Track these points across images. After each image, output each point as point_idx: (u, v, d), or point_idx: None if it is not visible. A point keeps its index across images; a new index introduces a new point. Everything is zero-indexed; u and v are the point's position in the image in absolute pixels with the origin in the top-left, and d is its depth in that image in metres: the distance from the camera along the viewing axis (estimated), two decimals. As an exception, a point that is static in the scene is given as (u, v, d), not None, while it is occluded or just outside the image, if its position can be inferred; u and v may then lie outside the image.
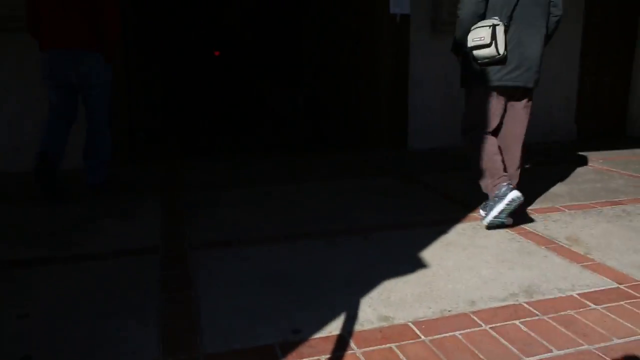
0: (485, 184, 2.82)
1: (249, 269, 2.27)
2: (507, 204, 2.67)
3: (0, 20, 4.07)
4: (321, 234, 2.74)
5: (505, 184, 2.70)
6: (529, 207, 3.21)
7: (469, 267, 2.30)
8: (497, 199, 2.71)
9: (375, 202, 3.34)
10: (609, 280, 2.17)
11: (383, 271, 2.23)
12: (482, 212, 2.90)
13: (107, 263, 2.35)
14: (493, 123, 2.79)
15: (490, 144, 2.77)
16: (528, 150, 3.06)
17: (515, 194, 2.68)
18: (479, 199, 3.23)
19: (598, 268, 2.29)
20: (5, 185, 3.88)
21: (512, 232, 2.75)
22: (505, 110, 2.81)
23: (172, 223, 2.94)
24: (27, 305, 1.95)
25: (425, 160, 4.67)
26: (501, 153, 2.80)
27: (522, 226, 2.85)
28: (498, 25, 2.55)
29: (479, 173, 2.83)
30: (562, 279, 2.18)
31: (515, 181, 2.87)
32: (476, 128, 2.82)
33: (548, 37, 2.80)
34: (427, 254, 2.44)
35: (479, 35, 2.57)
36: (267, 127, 7.52)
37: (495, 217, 2.70)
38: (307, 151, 5.30)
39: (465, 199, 3.36)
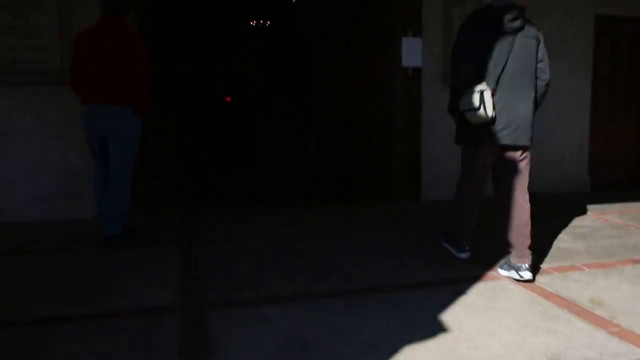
0: (452, 224, 3.27)
1: (266, 332, 2.24)
2: (458, 257, 3.25)
3: (26, 74, 4.21)
4: (338, 293, 2.71)
5: (464, 242, 3.24)
6: (548, 265, 3.18)
7: (490, 332, 2.26)
8: (453, 246, 3.28)
9: (391, 258, 3.31)
10: (638, 349, 2.11)
11: (403, 336, 2.20)
12: (500, 271, 3.00)
13: (124, 323, 2.33)
14: (481, 179, 3.03)
15: (472, 201, 3.08)
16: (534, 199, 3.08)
17: (464, 255, 3.25)
18: (495, 256, 3.20)
19: (627, 335, 2.23)
20: (21, 237, 3.90)
21: (533, 294, 2.71)
22: (504, 166, 2.97)
23: (188, 280, 2.92)
24: (44, 369, 1.93)
25: (440, 212, 4.65)
26: (506, 206, 2.96)
27: (543, 286, 2.81)
28: (485, 90, 2.78)
29: (452, 218, 3.25)
30: (589, 346, 2.13)
31: (527, 242, 2.94)
32: (468, 182, 3.07)
33: (537, 100, 2.98)
34: (447, 317, 2.40)
35: (468, 100, 2.82)
36: (279, 176, 7.57)
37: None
38: (320, 202, 5.31)
39: (483, 256, 3.33)
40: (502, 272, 2.98)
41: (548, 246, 3.61)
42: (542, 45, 2.94)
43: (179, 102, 9.70)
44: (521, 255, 2.90)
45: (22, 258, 3.38)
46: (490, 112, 2.78)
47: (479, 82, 2.83)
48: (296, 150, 9.23)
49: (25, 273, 3.05)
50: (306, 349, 2.09)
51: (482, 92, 2.78)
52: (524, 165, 2.95)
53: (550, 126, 5.66)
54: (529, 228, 2.93)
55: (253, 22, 19.39)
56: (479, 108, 2.77)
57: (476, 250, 3.41)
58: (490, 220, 3.13)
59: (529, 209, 2.94)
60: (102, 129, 3.48)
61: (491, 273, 3.03)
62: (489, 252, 3.40)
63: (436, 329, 2.28)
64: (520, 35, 2.86)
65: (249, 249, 3.52)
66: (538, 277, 2.95)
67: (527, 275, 2.86)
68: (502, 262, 3.05)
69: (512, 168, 2.93)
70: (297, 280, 2.91)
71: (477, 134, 2.91)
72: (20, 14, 4.15)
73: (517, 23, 2.84)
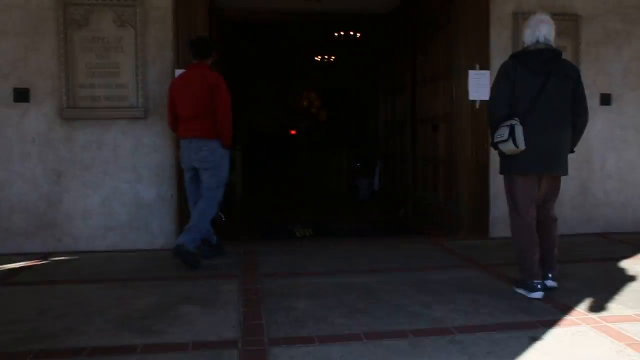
0: (519, 265, 3.31)
1: (328, 372, 2.16)
2: (532, 297, 3.15)
3: (105, 110, 4.45)
4: (403, 333, 2.59)
5: (535, 281, 3.17)
6: (634, 312, 2.91)
7: (572, 384, 2.07)
8: (524, 286, 3.21)
9: (459, 298, 3.15)
10: None
11: (474, 384, 2.05)
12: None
13: (187, 356, 2.33)
14: (528, 205, 3.21)
15: (527, 233, 3.21)
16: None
17: (537, 295, 3.14)
18: (572, 298, 2.99)
19: None
20: (92, 264, 4.05)
21: (619, 343, 2.47)
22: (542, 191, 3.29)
23: (250, 314, 2.90)
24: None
25: (509, 250, 4.41)
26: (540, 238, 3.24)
27: (626, 332, 2.56)
28: (516, 125, 3.05)
29: (516, 252, 3.32)
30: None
31: (554, 262, 3.31)
32: (515, 212, 3.26)
33: (577, 131, 3.27)
34: (521, 365, 2.23)
35: (499, 133, 3.12)
36: (344, 211, 7.52)
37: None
38: (385, 237, 5.19)
39: (559, 298, 3.11)
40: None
41: (634, 290, 3.32)
42: (580, 85, 3.23)
43: (245, 136, 9.96)
44: (549, 268, 3.29)
45: (92, 286, 3.49)
46: (520, 144, 3.03)
47: (512, 117, 3.10)
48: (360, 186, 9.18)
49: (94, 301, 3.15)
50: (369, 392, 1.99)
51: (512, 126, 3.04)
52: (553, 191, 3.32)
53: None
54: (556, 246, 3.33)
55: (318, 58, 19.85)
56: (507, 140, 3.05)
57: (552, 292, 3.19)
58: (566, 261, 2.93)
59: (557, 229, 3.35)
60: (192, 160, 3.98)
61: (570, 318, 2.81)
62: (567, 294, 3.17)
63: (510, 378, 2.12)
64: (554, 75, 3.11)
65: (312, 284, 3.47)
66: (624, 325, 2.70)
67: (552, 283, 3.27)
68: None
69: (546, 193, 3.30)
70: (360, 318, 2.82)
71: (514, 163, 3.18)
72: (103, 54, 4.43)
73: (551, 65, 3.13)
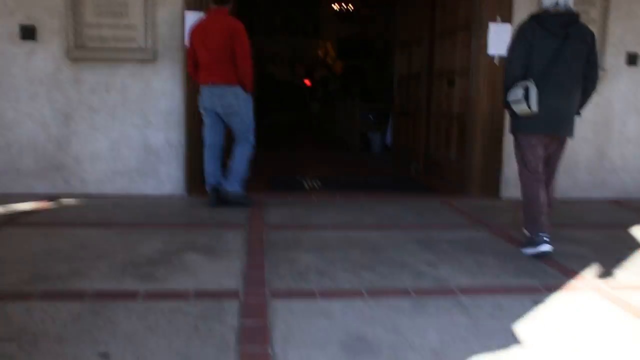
0: (525, 220, 3.35)
1: (327, 328, 2.15)
2: (537, 254, 3.19)
3: (113, 51, 4.35)
4: (407, 292, 2.58)
5: (542, 233, 3.19)
6: (637, 278, 2.87)
7: (573, 349, 2.04)
8: (530, 243, 3.24)
9: (465, 258, 3.12)
10: None
11: (473, 346, 2.03)
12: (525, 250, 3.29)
13: (187, 305, 2.33)
14: (536, 163, 3.30)
15: (536, 186, 3.28)
16: None
17: (545, 247, 3.17)
18: (579, 264, 2.94)
19: None
20: (100, 209, 4.06)
21: (625, 312, 2.44)
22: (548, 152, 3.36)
23: (254, 266, 2.89)
24: (109, 343, 1.95)
25: (518, 212, 4.34)
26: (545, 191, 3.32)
27: (631, 301, 2.52)
28: (530, 86, 3.09)
29: (523, 206, 3.37)
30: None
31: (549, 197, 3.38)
32: (524, 168, 3.34)
33: (585, 96, 3.32)
34: (522, 329, 2.20)
35: (515, 93, 3.16)
36: (355, 163, 7.46)
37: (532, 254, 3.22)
38: (395, 193, 5.13)
39: (564, 263, 3.06)
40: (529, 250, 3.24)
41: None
42: (594, 50, 3.24)
43: (258, 84, 9.78)
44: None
45: (99, 230, 3.50)
46: (533, 106, 3.08)
47: (527, 79, 3.15)
48: (372, 139, 9.07)
49: (100, 245, 3.16)
50: (367, 350, 1.98)
51: (527, 87, 3.09)
52: (561, 152, 3.41)
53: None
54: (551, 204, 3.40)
55: (336, 6, 19.27)
56: (521, 100, 3.10)
57: (558, 257, 3.15)
58: (576, 225, 2.85)
59: (554, 179, 3.45)
60: (216, 106, 4.05)
61: (576, 283, 2.77)
62: (575, 260, 3.13)
63: (510, 341, 2.10)
64: (571, 39, 3.14)
65: (317, 237, 3.45)
66: (630, 293, 2.66)
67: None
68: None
69: (553, 154, 3.38)
70: (363, 274, 2.80)
71: (524, 123, 3.25)
72: (110, -8, 4.28)
73: (568, 29, 3.14)
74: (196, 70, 4.10)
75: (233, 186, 4.13)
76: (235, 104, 4.04)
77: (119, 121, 4.45)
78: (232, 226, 3.68)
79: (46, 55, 4.33)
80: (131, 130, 4.48)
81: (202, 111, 4.16)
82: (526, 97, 3.08)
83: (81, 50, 4.30)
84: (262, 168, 6.51)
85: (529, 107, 3.09)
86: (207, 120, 4.17)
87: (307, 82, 22.42)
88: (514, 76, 3.20)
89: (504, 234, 3.71)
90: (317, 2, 22.17)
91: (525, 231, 3.33)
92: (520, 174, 3.38)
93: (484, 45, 4.85)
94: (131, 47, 4.34)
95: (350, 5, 20.22)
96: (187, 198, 4.55)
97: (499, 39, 4.80)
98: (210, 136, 4.18)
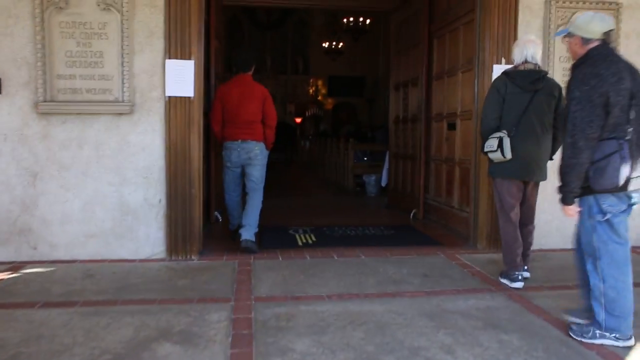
0: (504, 257, 3.73)
1: None
2: (513, 287, 3.58)
3: (86, 104, 3.98)
4: (423, 394, 2.14)
5: (517, 272, 3.62)
6: None
7: None
8: (508, 276, 3.65)
9: (485, 340, 2.68)
10: None
11: None
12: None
13: None
14: (512, 205, 3.63)
15: (512, 227, 3.64)
16: None
17: (519, 285, 3.57)
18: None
19: None
20: (68, 279, 3.60)
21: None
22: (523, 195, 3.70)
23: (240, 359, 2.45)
24: None
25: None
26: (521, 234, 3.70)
27: None
28: (504, 137, 3.47)
29: (503, 246, 3.74)
30: None
31: (528, 258, 3.81)
32: (502, 210, 3.68)
33: (556, 143, 3.61)
34: None
35: (490, 143, 3.53)
36: (349, 209, 7.06)
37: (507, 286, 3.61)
38: (396, 247, 4.72)
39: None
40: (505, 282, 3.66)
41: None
42: (560, 103, 3.52)
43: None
44: (526, 259, 3.78)
45: (61, 312, 3.01)
46: (507, 154, 3.45)
47: (501, 129, 3.52)
48: (367, 181, 8.72)
49: (58, 335, 2.69)
50: None
51: (501, 138, 3.46)
52: (533, 193, 3.76)
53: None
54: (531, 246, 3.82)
55: (326, 44, 19.27)
56: (496, 150, 3.46)
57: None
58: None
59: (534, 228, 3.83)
60: (242, 159, 4.53)
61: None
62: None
63: None
64: (539, 93, 3.51)
65: (313, 312, 3.02)
66: None
67: (526, 274, 3.74)
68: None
69: (528, 197, 3.72)
70: (369, 367, 2.36)
71: (500, 169, 3.59)
72: (84, 41, 3.94)
73: (537, 85, 3.51)
74: (222, 129, 4.57)
75: (250, 235, 4.43)
76: (260, 157, 4.56)
77: (93, 179, 4.05)
78: (216, 300, 3.24)
79: (12, 109, 3.95)
80: (106, 189, 4.07)
81: (227, 164, 4.61)
82: (500, 146, 3.44)
83: (51, 104, 3.93)
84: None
85: (504, 156, 3.44)
86: (230, 173, 4.65)
87: (298, 120, 22.28)
88: (490, 128, 3.57)
89: (524, 300, 3.30)
90: (307, 40, 22.27)
91: (504, 265, 3.71)
92: (500, 218, 3.72)
93: (488, 87, 4.54)
94: (106, 100, 3.97)
95: (340, 43, 20.27)
96: (168, 261, 4.12)
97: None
98: (234, 188, 4.72)
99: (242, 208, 4.68)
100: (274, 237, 5.16)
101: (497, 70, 4.45)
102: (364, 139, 11.29)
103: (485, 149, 3.56)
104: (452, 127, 5.50)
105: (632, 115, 2.50)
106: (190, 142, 4.10)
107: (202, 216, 4.40)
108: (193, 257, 4.18)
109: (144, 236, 4.14)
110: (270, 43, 22.00)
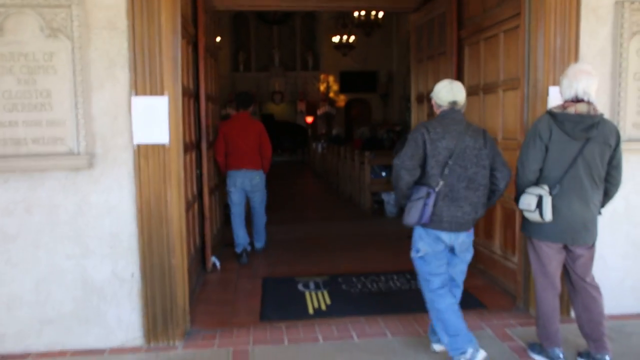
0: (539, 330, 3.11)
1: None
2: None
3: (33, 158, 3.11)
4: None
5: (557, 349, 3.01)
6: None
7: None
8: (542, 353, 3.06)
9: None
10: None
11: None
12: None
13: None
14: (551, 272, 3.01)
15: (551, 295, 3.03)
16: None
17: None
18: None
19: None
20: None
21: None
22: (570, 261, 3.03)
23: None
24: None
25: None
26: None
27: None
28: (544, 195, 2.84)
29: (537, 316, 3.12)
30: None
31: (604, 332, 2.99)
32: (540, 274, 3.06)
33: (607, 197, 3.02)
34: None
35: (526, 201, 2.92)
36: (368, 243, 6.16)
37: None
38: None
39: None
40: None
41: None
42: (618, 150, 2.92)
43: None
44: (600, 346, 2.96)
45: None
46: (546, 217, 2.86)
47: (541, 183, 2.92)
48: (386, 200, 7.81)
49: None
50: None
51: (540, 197, 2.86)
52: (588, 259, 3.01)
53: None
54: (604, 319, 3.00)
55: (337, 39, 18.28)
56: (534, 211, 2.87)
57: None
58: None
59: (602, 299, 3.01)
60: (245, 185, 5.32)
61: None
62: None
63: None
64: (592, 141, 2.85)
65: None
66: None
67: None
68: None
69: (578, 263, 3.01)
70: None
71: (538, 229, 2.98)
72: (26, 77, 3.06)
73: (590, 133, 2.83)
74: (229, 158, 5.28)
75: (261, 242, 5.75)
76: (260, 183, 5.41)
77: (46, 251, 3.20)
78: None
79: (-62, 167, 3.10)
80: (64, 263, 3.22)
81: (231, 189, 5.32)
82: (539, 206, 2.85)
83: (-12, 159, 3.08)
84: (252, 257, 5.24)
85: (542, 218, 2.86)
86: (235, 196, 5.34)
87: (309, 119, 21.32)
88: (527, 181, 2.97)
89: None
90: (316, 35, 21.26)
91: (539, 338, 3.13)
92: (537, 282, 3.10)
93: (539, 112, 3.60)
94: (58, 152, 3.10)
95: (352, 36, 19.25)
96: (145, 351, 3.28)
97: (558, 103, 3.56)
98: (239, 208, 5.38)
99: (246, 229, 5.43)
100: (280, 296, 4.28)
101: (554, 93, 3.51)
102: (381, 146, 10.34)
103: (520, 206, 2.98)
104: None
105: (446, 171, 2.86)
106: (167, 199, 3.24)
107: (188, 289, 3.53)
108: (177, 342, 3.33)
109: (114, 319, 3.30)
110: (277, 38, 21.09)
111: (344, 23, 19.05)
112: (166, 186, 3.22)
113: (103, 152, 3.18)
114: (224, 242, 5.92)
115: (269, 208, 5.92)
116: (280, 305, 4.07)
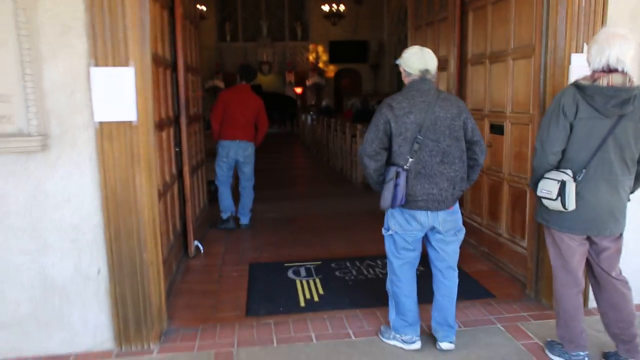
0: (559, 332, 2.76)
1: None
2: None
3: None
4: None
5: (582, 353, 2.69)
6: None
7: None
8: (563, 356, 2.74)
9: None
10: None
11: None
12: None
13: None
14: (574, 266, 2.64)
15: (573, 293, 2.66)
16: None
17: None
18: None
19: None
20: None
21: None
22: (594, 254, 2.66)
23: None
24: None
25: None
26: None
27: None
28: (568, 182, 2.47)
29: (557, 315, 2.77)
30: None
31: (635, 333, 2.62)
32: (560, 268, 2.69)
33: (636, 185, 2.62)
34: None
35: (546, 187, 2.54)
36: (360, 222, 5.80)
37: None
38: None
39: None
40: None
41: None
42: None
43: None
44: (630, 348, 2.62)
45: None
46: (570, 206, 2.48)
47: (564, 167, 2.54)
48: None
49: None
50: None
51: (563, 183, 2.47)
52: (615, 252, 2.62)
53: None
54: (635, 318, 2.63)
55: (326, 7, 17.64)
56: (555, 199, 2.49)
57: None
58: None
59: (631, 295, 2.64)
60: (238, 156, 5.36)
61: None
62: None
63: None
64: (626, 118, 2.43)
65: None
66: None
67: None
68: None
69: (603, 256, 2.63)
70: None
71: (557, 218, 2.60)
72: (-36, 44, 2.59)
73: (625, 109, 2.40)
74: (225, 127, 5.27)
75: (247, 220, 5.58)
76: (252, 155, 5.45)
77: (-2, 246, 2.79)
78: None
79: None
80: (17, 259, 2.81)
81: (223, 160, 5.35)
82: (561, 194, 2.47)
83: None
84: (238, 240, 4.86)
85: (565, 207, 2.49)
86: (225, 165, 5.38)
87: (298, 90, 20.74)
88: (547, 163, 2.57)
89: None
90: (305, 3, 20.50)
91: (560, 339, 2.78)
92: (556, 277, 2.72)
93: (558, 83, 3.20)
94: (5, 132, 2.65)
95: (341, 5, 18.56)
96: (117, 356, 2.90)
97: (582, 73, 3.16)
98: (227, 177, 5.45)
99: (232, 199, 5.51)
100: (268, 285, 3.91)
101: (577, 62, 3.11)
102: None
103: (539, 193, 2.59)
104: (497, 130, 4.17)
105: (416, 147, 2.63)
106: (136, 185, 2.81)
107: (164, 285, 3.13)
108: (152, 345, 2.97)
109: (79, 321, 2.91)
110: (265, 7, 20.34)
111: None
112: (134, 170, 2.79)
113: (60, 132, 2.73)
114: (209, 221, 5.56)
115: (256, 183, 5.69)
116: (268, 297, 3.70)
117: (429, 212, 2.72)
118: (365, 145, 2.71)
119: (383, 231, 2.94)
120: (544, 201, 2.59)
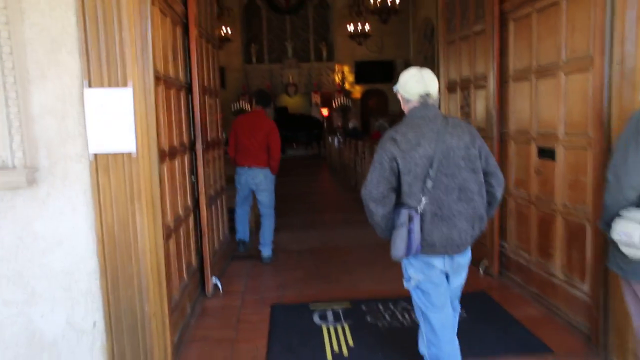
0: None
1: None
2: None
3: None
4: None
5: None
6: None
7: None
8: None
9: None
10: None
11: None
12: None
13: None
14: None
15: None
16: None
17: None
18: None
19: None
20: None
21: None
22: None
23: None
24: None
25: None
26: None
27: None
28: None
29: None
30: None
31: None
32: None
33: None
34: None
35: (624, 230, 2.09)
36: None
37: None
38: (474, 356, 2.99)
39: None
40: None
41: None
42: None
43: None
44: None
45: None
46: None
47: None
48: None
49: None
50: None
51: None
52: None
53: None
54: None
55: (351, 27, 17.35)
56: (636, 244, 2.04)
57: None
58: None
59: None
60: (250, 183, 5.13)
61: None
62: None
63: None
64: None
65: None
66: None
67: None
68: None
69: None
70: None
71: (638, 269, 2.11)
72: (-56, 66, 2.27)
73: None
74: (237, 154, 5.13)
75: (268, 252, 5.15)
76: (264, 182, 5.09)
77: (-21, 296, 2.43)
78: None
79: None
80: (1, 311, 2.44)
81: (237, 186, 5.19)
82: None
83: None
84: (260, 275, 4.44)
85: None
86: (241, 193, 5.22)
87: (325, 112, 20.44)
88: (624, 199, 2.13)
89: None
90: (329, 24, 20.33)
91: None
92: (635, 322, 2.28)
93: (625, 101, 2.73)
94: (-14, 165, 2.32)
95: (366, 24, 18.29)
96: (112, 422, 2.49)
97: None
98: (243, 205, 5.31)
99: (248, 223, 5.44)
100: (291, 333, 3.46)
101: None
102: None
103: (615, 236, 2.15)
104: (547, 154, 3.69)
105: (429, 185, 2.28)
106: (136, 225, 2.44)
107: (170, 340, 2.72)
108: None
109: (72, 382, 2.52)
110: (290, 29, 20.26)
111: (359, 11, 18.17)
112: (134, 207, 2.42)
113: (49, 164, 2.38)
114: (231, 253, 5.18)
115: (279, 210, 5.40)
116: (291, 348, 3.26)
117: (445, 256, 2.39)
118: (370, 187, 2.35)
119: (405, 284, 2.56)
120: (621, 246, 2.13)
